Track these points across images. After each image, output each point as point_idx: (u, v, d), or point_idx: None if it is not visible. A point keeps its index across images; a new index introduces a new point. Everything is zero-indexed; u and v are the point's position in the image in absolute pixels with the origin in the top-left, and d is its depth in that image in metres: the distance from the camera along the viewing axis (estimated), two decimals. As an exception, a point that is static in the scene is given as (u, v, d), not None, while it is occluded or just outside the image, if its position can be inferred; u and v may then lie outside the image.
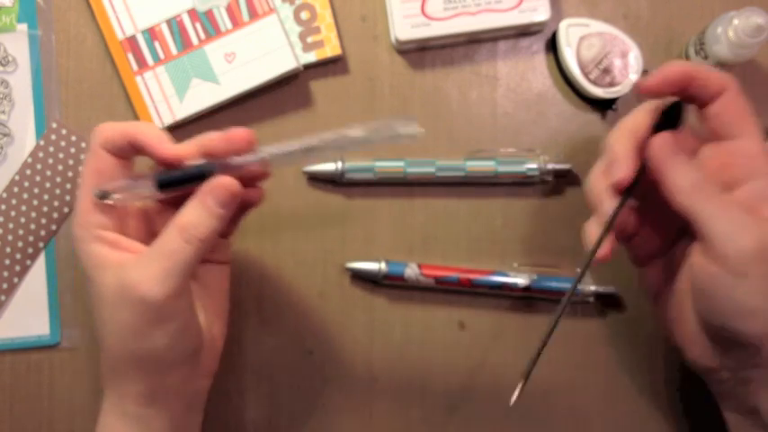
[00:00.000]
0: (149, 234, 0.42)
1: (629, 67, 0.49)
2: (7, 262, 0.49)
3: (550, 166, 0.49)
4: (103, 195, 0.38)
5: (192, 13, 0.49)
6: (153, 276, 0.36)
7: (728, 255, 0.36)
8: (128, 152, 0.39)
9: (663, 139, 0.39)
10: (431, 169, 0.49)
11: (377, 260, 0.49)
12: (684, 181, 0.37)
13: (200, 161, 0.38)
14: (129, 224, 0.40)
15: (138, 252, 0.38)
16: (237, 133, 0.38)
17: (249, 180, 0.40)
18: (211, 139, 0.39)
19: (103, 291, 0.37)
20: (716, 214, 0.36)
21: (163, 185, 0.38)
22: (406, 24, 0.49)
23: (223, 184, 0.37)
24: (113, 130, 0.39)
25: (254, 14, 0.49)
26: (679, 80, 0.38)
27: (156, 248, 0.37)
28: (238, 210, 0.40)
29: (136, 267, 0.36)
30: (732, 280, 0.36)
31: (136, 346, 0.37)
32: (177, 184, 0.38)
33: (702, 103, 0.39)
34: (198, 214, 0.37)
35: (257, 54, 0.49)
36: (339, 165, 0.49)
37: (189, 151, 0.38)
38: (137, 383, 0.38)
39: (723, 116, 0.39)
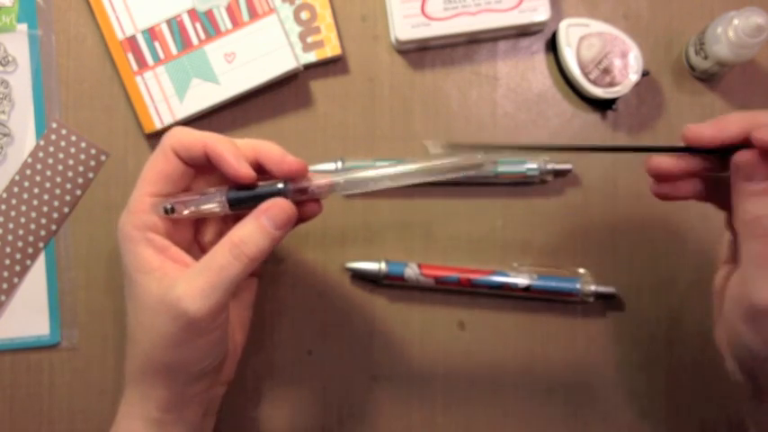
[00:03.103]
0: (195, 241, 0.42)
1: (629, 67, 0.49)
2: (7, 262, 0.49)
3: (550, 167, 0.49)
4: (171, 209, 0.38)
5: (192, 13, 0.49)
6: (197, 291, 0.35)
7: (751, 300, 0.34)
8: (199, 162, 0.38)
9: (748, 156, 0.35)
10: (431, 169, 0.49)
11: (377, 260, 0.49)
12: (746, 212, 0.35)
13: (273, 181, 0.38)
14: (178, 230, 0.40)
15: (182, 262, 0.38)
16: (294, 164, 0.38)
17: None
18: (269, 153, 0.38)
19: (145, 297, 0.37)
20: (756, 257, 0.34)
21: (234, 203, 0.38)
22: (406, 24, 0.49)
23: (281, 205, 0.37)
24: (191, 137, 0.38)
25: (254, 14, 0.49)
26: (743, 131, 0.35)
27: (204, 262, 0.37)
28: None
29: (182, 280, 0.36)
30: (743, 323, 0.35)
31: (170, 357, 0.37)
32: (249, 202, 0.38)
33: None
34: (251, 232, 0.37)
35: (257, 54, 0.49)
36: (339, 164, 0.49)
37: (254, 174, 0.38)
38: (162, 389, 0.38)
39: None
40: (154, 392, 0.39)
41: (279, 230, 0.37)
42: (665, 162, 0.38)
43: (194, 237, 0.42)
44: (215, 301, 0.36)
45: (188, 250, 0.40)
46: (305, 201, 0.39)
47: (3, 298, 0.49)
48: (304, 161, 0.38)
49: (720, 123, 0.36)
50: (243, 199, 0.38)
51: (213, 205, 0.38)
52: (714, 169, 0.38)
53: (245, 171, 0.37)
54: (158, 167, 0.38)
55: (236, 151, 0.38)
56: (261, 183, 0.38)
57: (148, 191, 0.38)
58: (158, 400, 0.39)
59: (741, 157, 0.35)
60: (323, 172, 0.48)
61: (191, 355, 0.38)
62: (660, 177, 0.38)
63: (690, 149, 0.37)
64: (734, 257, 0.41)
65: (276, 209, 0.37)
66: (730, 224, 0.41)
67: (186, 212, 0.38)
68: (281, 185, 0.38)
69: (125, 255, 0.38)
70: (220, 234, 0.41)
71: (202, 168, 0.40)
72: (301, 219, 0.40)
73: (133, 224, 0.38)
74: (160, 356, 0.37)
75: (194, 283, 0.36)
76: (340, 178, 0.38)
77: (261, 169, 0.39)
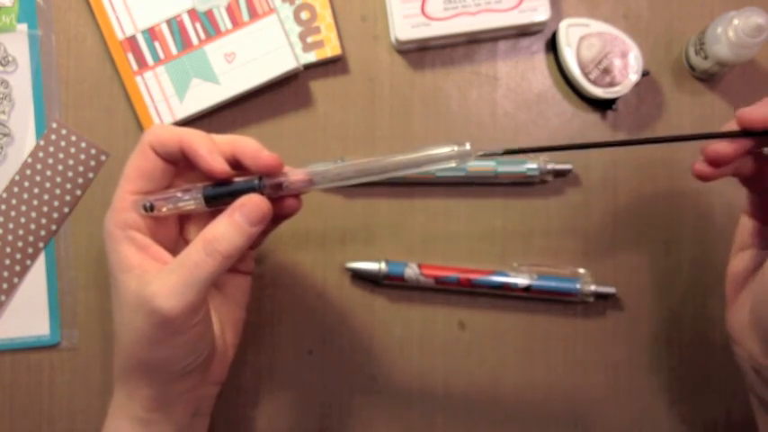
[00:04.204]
0: (182, 239, 0.42)
1: (629, 67, 0.49)
2: (7, 262, 0.49)
3: (550, 166, 0.49)
4: (150, 207, 0.38)
5: (192, 13, 0.49)
6: (170, 289, 0.35)
7: None
8: (176, 158, 0.38)
9: None
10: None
11: (377, 260, 0.49)
12: None
13: (249, 177, 0.38)
14: (161, 228, 0.40)
15: (163, 260, 0.38)
16: (268, 159, 0.38)
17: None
18: (244, 148, 0.38)
19: (124, 294, 0.37)
20: None
21: (210, 200, 0.38)
22: (406, 24, 0.49)
23: (255, 201, 0.37)
24: (168, 132, 0.38)
25: (254, 14, 0.49)
26: None
27: (178, 260, 0.36)
28: (272, 221, 0.39)
29: (156, 278, 0.36)
30: None
31: (146, 354, 0.37)
32: (224, 198, 0.38)
33: None
34: (224, 230, 0.36)
35: (257, 54, 0.49)
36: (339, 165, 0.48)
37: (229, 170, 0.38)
38: (145, 388, 0.38)
39: None
40: (138, 392, 0.38)
41: (253, 227, 0.37)
42: (724, 147, 0.38)
43: (180, 234, 0.42)
44: (189, 299, 0.35)
45: (173, 248, 0.39)
46: (283, 196, 0.39)
47: (3, 298, 0.49)
48: (279, 156, 0.38)
49: None
50: (218, 195, 0.38)
51: (190, 202, 0.38)
52: (759, 146, 0.39)
53: (218, 166, 0.37)
54: (137, 165, 0.38)
55: (211, 146, 0.37)
56: (237, 179, 0.38)
57: (129, 189, 0.38)
58: (143, 399, 0.38)
59: None
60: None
61: (170, 354, 0.37)
62: (716, 162, 0.38)
63: (746, 133, 0.37)
64: (753, 243, 0.41)
65: (250, 205, 0.37)
66: (753, 210, 0.42)
67: (165, 210, 0.38)
68: (256, 181, 0.38)
69: (109, 253, 0.38)
70: None
71: (185, 166, 0.39)
72: (282, 215, 0.39)
73: (115, 222, 0.38)
74: (139, 355, 0.37)
75: (168, 280, 0.36)
76: (315, 172, 0.38)
77: (239, 165, 0.38)
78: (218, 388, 0.44)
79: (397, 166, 0.37)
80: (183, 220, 0.42)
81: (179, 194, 0.38)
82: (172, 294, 0.35)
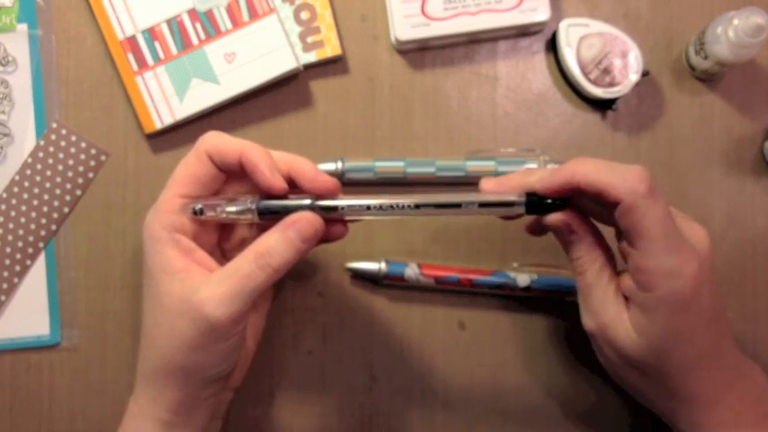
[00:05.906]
0: (218, 247, 0.42)
1: (629, 67, 0.49)
2: (7, 262, 0.49)
3: (550, 166, 0.49)
4: (200, 211, 0.38)
5: (192, 13, 0.49)
6: (221, 297, 0.36)
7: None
8: (232, 168, 0.39)
9: (554, 217, 0.39)
10: (431, 169, 0.49)
11: (377, 260, 0.49)
12: (570, 257, 0.41)
13: (304, 197, 0.38)
14: (204, 234, 0.40)
15: (207, 266, 0.38)
16: (328, 183, 0.38)
17: None
18: (303, 169, 0.39)
19: (166, 298, 0.37)
20: (580, 291, 0.40)
21: (263, 213, 0.38)
22: (406, 24, 0.49)
23: (308, 218, 0.38)
24: (228, 143, 0.38)
25: (254, 14, 0.49)
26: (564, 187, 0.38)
27: (229, 269, 0.37)
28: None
29: (205, 285, 0.36)
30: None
31: (186, 359, 0.37)
32: (278, 213, 0.38)
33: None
34: (277, 244, 0.37)
35: (257, 54, 0.49)
36: (339, 164, 0.48)
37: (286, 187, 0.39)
38: (175, 391, 0.39)
39: (625, 226, 0.37)
40: (166, 394, 0.39)
41: (305, 244, 0.38)
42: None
43: (217, 242, 0.42)
44: (237, 308, 0.36)
45: (210, 255, 0.40)
46: (332, 220, 0.39)
47: (3, 298, 0.49)
48: (337, 181, 0.39)
49: (504, 180, 0.41)
50: (272, 209, 0.38)
51: (242, 212, 0.39)
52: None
53: (278, 183, 0.38)
54: (191, 170, 0.39)
55: (271, 163, 0.38)
56: (291, 196, 0.39)
57: (179, 192, 0.38)
58: (170, 401, 0.39)
59: (549, 218, 0.39)
60: (325, 171, 0.49)
61: (207, 360, 0.38)
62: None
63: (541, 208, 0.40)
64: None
65: (303, 222, 0.37)
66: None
67: (214, 215, 0.38)
68: (311, 201, 0.38)
69: (150, 254, 0.38)
70: (243, 242, 0.41)
71: (233, 174, 0.40)
72: (325, 239, 0.40)
73: (161, 224, 0.38)
74: (177, 359, 0.37)
75: (218, 289, 0.36)
76: (372, 201, 0.39)
77: (291, 183, 0.39)
78: (233, 393, 0.45)
79: (451, 209, 0.39)
80: (223, 228, 0.42)
81: (231, 203, 0.39)
82: (221, 303, 0.36)
